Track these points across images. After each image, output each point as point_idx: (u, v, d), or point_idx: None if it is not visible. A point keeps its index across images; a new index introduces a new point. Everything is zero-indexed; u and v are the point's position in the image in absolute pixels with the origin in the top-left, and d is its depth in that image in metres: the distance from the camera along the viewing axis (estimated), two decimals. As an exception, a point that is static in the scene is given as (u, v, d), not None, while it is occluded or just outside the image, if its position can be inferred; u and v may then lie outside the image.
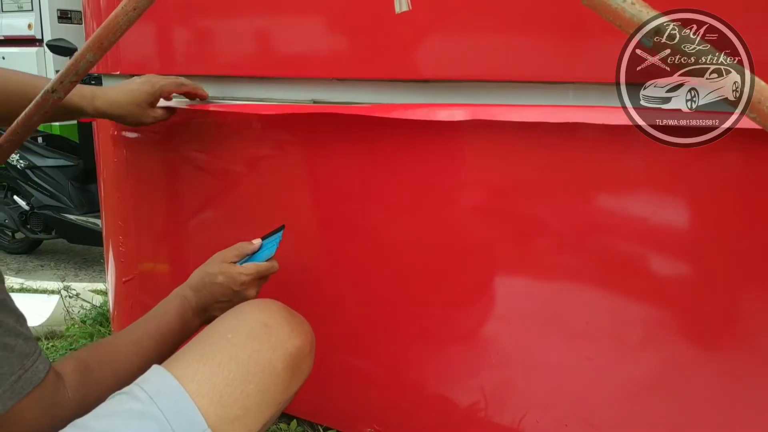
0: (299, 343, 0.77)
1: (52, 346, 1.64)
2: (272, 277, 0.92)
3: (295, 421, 1.19)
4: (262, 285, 0.91)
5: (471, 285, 0.95)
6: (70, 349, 1.58)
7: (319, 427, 1.16)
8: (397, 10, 0.65)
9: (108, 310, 1.70)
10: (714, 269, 0.79)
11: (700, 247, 0.80)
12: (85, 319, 1.78)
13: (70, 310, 1.82)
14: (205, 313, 0.87)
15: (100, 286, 2.01)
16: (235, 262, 0.89)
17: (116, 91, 1.01)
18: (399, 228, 0.99)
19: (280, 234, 0.94)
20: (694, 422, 0.84)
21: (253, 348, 0.72)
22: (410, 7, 0.65)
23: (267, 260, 0.91)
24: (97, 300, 1.90)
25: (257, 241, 0.92)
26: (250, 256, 0.91)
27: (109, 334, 1.63)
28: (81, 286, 1.99)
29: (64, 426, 0.62)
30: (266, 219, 1.11)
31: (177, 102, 1.10)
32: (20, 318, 0.64)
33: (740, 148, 0.74)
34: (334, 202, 1.04)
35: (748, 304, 0.79)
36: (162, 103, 1.07)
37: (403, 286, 1.01)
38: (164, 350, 0.79)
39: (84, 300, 1.89)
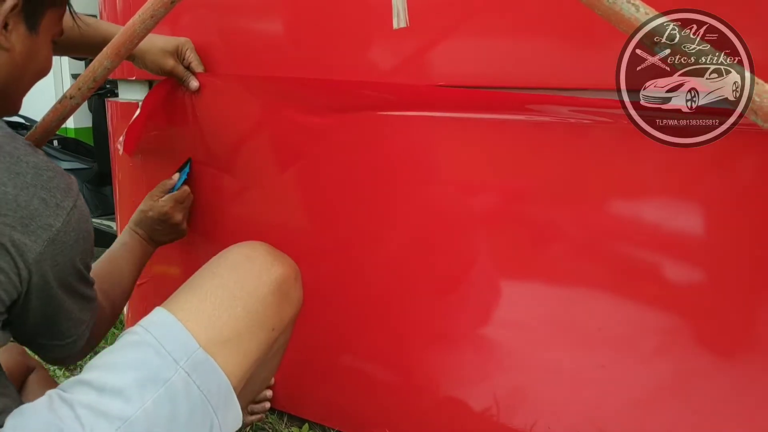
0: (282, 270, 0.81)
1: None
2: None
3: (307, 424, 1.19)
4: (186, 209, 1.13)
5: (484, 290, 0.96)
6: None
7: (331, 431, 1.17)
8: (395, 25, 0.68)
9: (122, 313, 1.71)
10: (729, 275, 0.79)
11: (715, 252, 0.79)
12: (100, 320, 1.79)
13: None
14: (153, 240, 1.09)
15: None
16: (161, 197, 1.09)
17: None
18: (410, 231, 1.00)
19: (187, 166, 1.15)
20: (708, 430, 0.83)
21: (238, 276, 0.78)
22: (408, 24, 0.68)
23: (178, 189, 1.12)
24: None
25: (176, 176, 1.13)
26: (172, 188, 1.12)
27: (123, 335, 1.65)
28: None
29: (108, 328, 0.87)
30: (276, 221, 1.13)
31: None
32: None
33: (757, 152, 0.74)
34: (345, 206, 1.05)
35: (763, 311, 0.78)
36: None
37: (415, 289, 1.01)
38: (137, 273, 1.04)
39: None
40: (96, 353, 0.78)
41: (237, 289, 0.76)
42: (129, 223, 1.09)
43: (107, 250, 1.03)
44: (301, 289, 0.86)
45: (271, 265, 0.81)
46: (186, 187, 1.13)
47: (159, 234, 1.10)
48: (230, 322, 0.74)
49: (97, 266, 0.95)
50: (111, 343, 0.73)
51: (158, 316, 0.73)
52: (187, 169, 1.15)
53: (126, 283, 1.00)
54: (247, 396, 0.89)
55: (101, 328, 0.85)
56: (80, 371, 0.71)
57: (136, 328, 0.72)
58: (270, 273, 0.80)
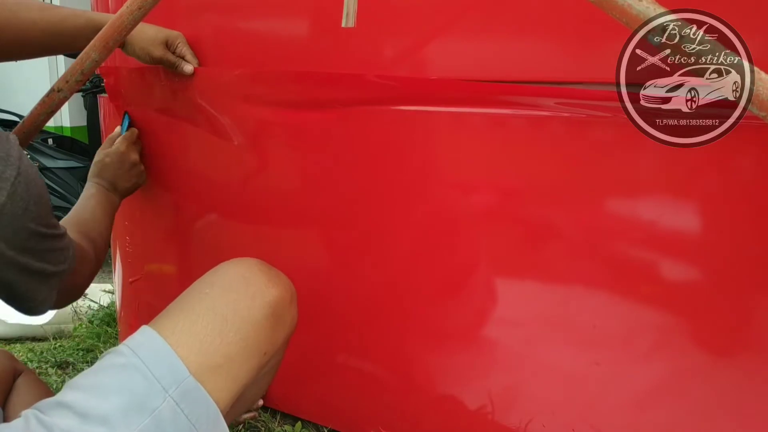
0: (277, 292, 0.78)
1: (60, 345, 1.64)
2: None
3: (300, 423, 1.18)
4: (139, 148, 1.18)
5: (479, 288, 0.95)
6: (77, 349, 1.59)
7: (324, 429, 1.16)
8: (344, 24, 0.68)
9: (115, 311, 1.71)
10: (725, 274, 0.78)
11: (711, 251, 0.79)
12: (93, 319, 1.79)
13: (77, 309, 1.83)
14: (116, 189, 1.10)
15: (107, 286, 2.03)
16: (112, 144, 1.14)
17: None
18: (406, 231, 0.99)
19: (126, 118, 1.23)
20: (704, 429, 0.83)
21: (231, 299, 0.74)
22: (355, 25, 0.68)
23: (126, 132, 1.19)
24: (105, 300, 1.91)
25: (117, 128, 1.20)
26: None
27: (116, 334, 1.64)
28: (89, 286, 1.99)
29: (95, 273, 0.89)
30: (269, 221, 1.13)
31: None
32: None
33: (754, 150, 0.73)
34: (337, 201, 1.04)
35: (760, 309, 0.78)
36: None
37: (409, 288, 1.01)
38: (110, 221, 1.04)
39: (92, 300, 1.90)
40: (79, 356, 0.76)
41: (230, 313, 0.73)
42: (89, 178, 1.09)
43: (74, 205, 1.04)
44: (296, 310, 0.83)
45: (265, 287, 0.77)
46: (133, 128, 1.20)
47: (121, 179, 1.11)
48: (222, 347, 0.70)
49: (69, 216, 0.97)
50: (102, 341, 0.71)
51: (146, 337, 0.69)
52: (126, 121, 1.22)
53: (102, 226, 0.99)
54: (235, 413, 0.86)
55: (85, 268, 0.85)
56: (66, 379, 0.69)
57: (123, 348, 0.68)
58: (264, 296, 0.76)
